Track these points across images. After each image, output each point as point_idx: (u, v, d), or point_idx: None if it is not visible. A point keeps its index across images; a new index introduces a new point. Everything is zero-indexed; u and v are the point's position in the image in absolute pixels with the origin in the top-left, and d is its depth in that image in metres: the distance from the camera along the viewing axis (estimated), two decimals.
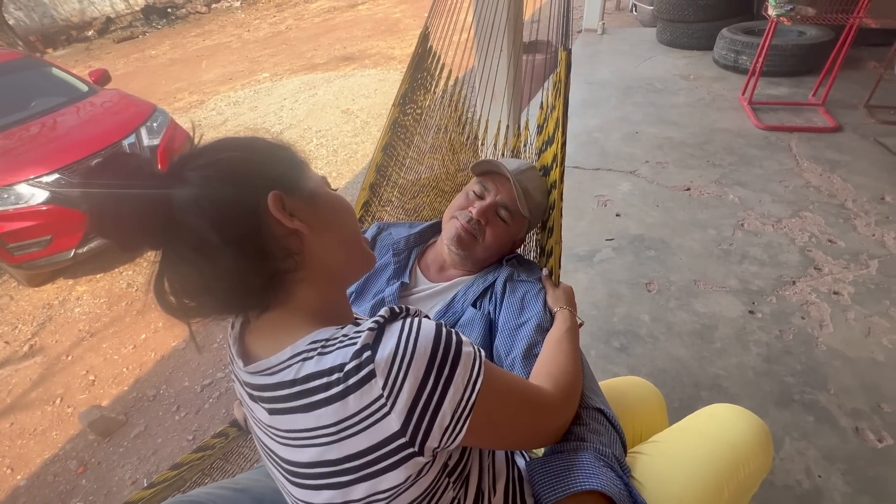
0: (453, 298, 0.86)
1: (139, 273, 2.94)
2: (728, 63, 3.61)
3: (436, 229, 1.00)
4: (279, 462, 0.48)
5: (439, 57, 1.22)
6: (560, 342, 0.71)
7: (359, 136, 4.12)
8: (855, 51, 3.06)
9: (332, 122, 4.40)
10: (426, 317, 0.47)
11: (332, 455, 0.43)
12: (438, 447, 0.43)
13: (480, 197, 0.89)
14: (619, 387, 0.97)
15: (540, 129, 1.04)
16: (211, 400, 2.11)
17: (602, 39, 4.70)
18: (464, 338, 0.46)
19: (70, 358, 2.42)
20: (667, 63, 3.95)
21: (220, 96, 5.53)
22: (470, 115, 1.19)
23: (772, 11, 2.71)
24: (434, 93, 1.20)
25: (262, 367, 0.46)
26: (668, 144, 2.86)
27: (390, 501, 0.44)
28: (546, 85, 1.04)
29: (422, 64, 1.21)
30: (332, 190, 0.55)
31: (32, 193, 2.58)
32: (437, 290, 0.89)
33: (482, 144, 1.19)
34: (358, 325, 0.45)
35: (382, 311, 0.45)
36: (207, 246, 0.44)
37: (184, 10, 10.18)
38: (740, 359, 1.51)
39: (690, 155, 2.74)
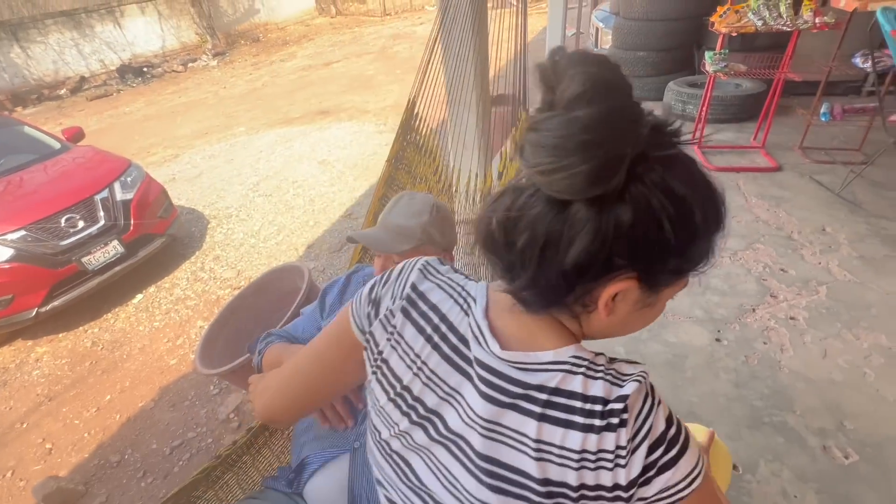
0: None
1: (105, 330, 2.83)
2: (677, 111, 3.95)
3: None
4: (467, 448, 0.47)
5: (425, 120, 1.33)
6: None
7: (335, 185, 4.21)
8: (785, 100, 3.43)
9: (308, 173, 4.49)
10: None
11: (549, 475, 0.43)
12: None
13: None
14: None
15: (500, 175, 1.14)
16: (181, 462, 1.99)
17: None
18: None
19: (25, 426, 2.26)
20: None
21: (196, 150, 5.58)
22: (444, 164, 1.29)
23: (709, 68, 3.03)
24: (421, 150, 1.30)
25: (517, 359, 0.45)
26: None
27: None
28: (507, 140, 1.16)
29: (409, 124, 1.32)
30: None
31: None
32: None
33: (455, 192, 1.27)
34: (610, 359, 0.46)
35: (642, 372, 0.44)
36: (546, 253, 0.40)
37: (160, 69, 10.41)
38: (711, 386, 1.57)
39: None
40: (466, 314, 0.50)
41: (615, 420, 0.41)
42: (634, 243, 0.39)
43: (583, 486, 0.43)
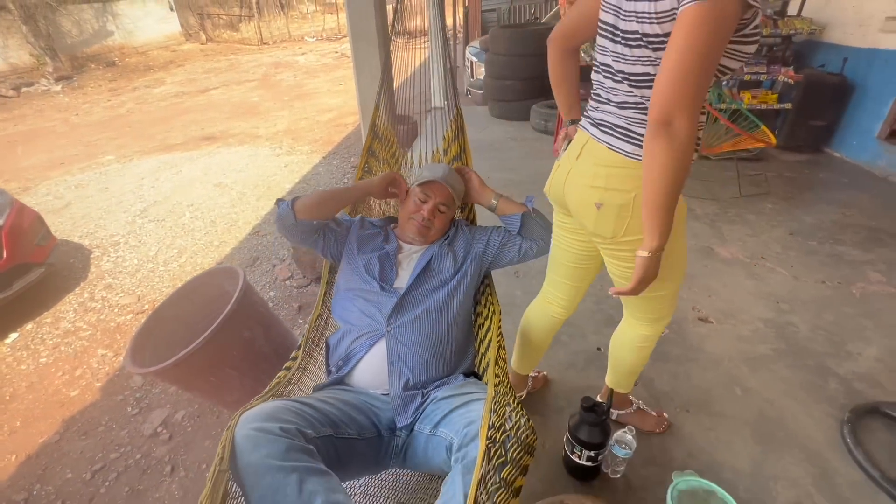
0: (430, 250, 1.28)
1: None
2: (540, 128, 4.80)
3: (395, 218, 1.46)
4: None
5: (382, 117, 1.66)
6: None
7: (237, 206, 4.15)
8: None
9: (204, 196, 4.34)
10: None
11: None
12: None
13: (424, 202, 1.28)
14: None
15: (445, 151, 1.53)
16: (107, 483, 1.89)
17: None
18: None
19: None
20: (500, 130, 5.04)
21: (54, 181, 4.94)
22: (399, 149, 1.66)
23: None
24: (382, 139, 1.63)
25: None
26: (511, 183, 3.68)
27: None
28: (444, 128, 1.57)
29: (375, 119, 1.61)
30: None
31: None
32: (419, 249, 1.30)
33: (409, 167, 1.68)
34: None
35: None
36: None
37: None
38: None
39: (527, 190, 3.55)
40: None
41: None
42: None
43: None
